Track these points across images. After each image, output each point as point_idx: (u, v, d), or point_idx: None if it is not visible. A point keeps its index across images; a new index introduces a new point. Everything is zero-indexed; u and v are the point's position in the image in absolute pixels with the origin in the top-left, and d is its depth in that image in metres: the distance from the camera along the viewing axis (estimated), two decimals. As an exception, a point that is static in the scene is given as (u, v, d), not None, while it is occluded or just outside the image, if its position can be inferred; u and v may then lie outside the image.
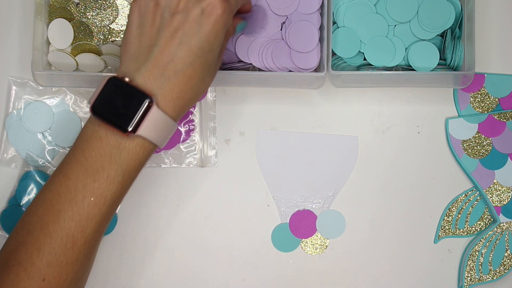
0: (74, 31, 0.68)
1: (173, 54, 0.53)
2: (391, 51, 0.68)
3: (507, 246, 0.71)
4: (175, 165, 0.71)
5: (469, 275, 0.70)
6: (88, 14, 0.68)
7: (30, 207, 0.55)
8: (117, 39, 0.69)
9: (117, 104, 0.52)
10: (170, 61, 0.53)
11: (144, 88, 0.52)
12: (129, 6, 0.69)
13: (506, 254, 0.71)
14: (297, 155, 0.71)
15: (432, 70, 0.68)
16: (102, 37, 0.69)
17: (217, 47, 0.55)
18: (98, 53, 0.68)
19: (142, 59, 0.54)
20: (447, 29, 0.68)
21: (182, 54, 0.53)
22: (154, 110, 0.52)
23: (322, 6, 0.67)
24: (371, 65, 0.68)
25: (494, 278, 0.71)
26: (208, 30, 0.53)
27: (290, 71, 0.67)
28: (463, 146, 0.71)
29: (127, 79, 0.52)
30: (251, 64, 0.68)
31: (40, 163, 0.71)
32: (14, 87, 0.71)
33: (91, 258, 0.56)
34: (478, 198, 0.71)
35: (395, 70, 0.69)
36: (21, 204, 0.70)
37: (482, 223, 0.72)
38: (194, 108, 0.71)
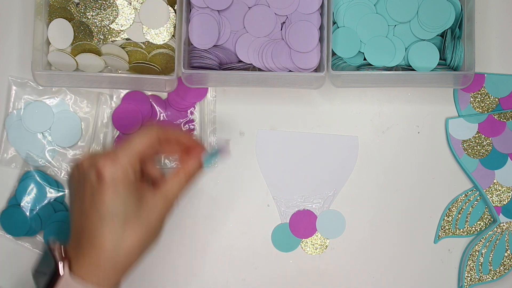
0: (74, 31, 0.68)
1: (82, 226, 0.56)
2: (391, 51, 0.68)
3: (507, 246, 0.71)
4: (175, 165, 0.71)
5: (469, 275, 0.70)
6: (88, 14, 0.68)
7: None
8: (117, 39, 0.69)
9: (42, 268, 0.57)
10: (81, 230, 0.56)
11: (61, 258, 0.55)
12: (129, 6, 0.69)
13: (506, 254, 0.71)
14: (297, 155, 0.71)
15: (432, 70, 0.68)
16: (102, 37, 0.69)
17: (121, 208, 0.55)
18: (98, 53, 0.68)
19: (71, 230, 0.58)
20: (447, 29, 0.68)
21: (88, 225, 0.56)
22: (65, 276, 0.54)
23: (322, 6, 0.67)
24: (371, 65, 0.68)
25: (494, 278, 0.71)
26: (101, 198, 0.55)
27: (290, 71, 0.67)
28: (463, 146, 0.71)
29: (63, 247, 0.56)
30: (251, 64, 0.68)
31: (40, 163, 0.71)
32: (14, 87, 0.71)
33: None
34: (478, 198, 0.71)
35: (395, 70, 0.69)
36: (21, 204, 0.70)
37: (482, 223, 0.72)
38: (194, 108, 0.72)
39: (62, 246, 0.57)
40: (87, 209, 0.56)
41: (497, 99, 0.72)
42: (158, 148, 0.59)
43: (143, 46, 0.69)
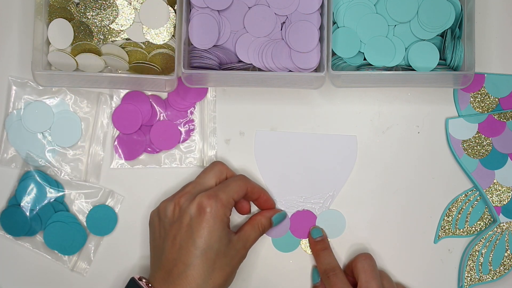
0: (74, 31, 0.68)
1: (175, 259, 0.60)
2: (391, 51, 0.68)
3: (507, 246, 0.71)
4: (175, 165, 0.71)
5: (469, 275, 0.70)
6: (88, 14, 0.68)
7: None
8: (117, 39, 0.69)
9: None
10: (173, 265, 0.60)
11: None
12: (129, 6, 0.69)
13: (506, 254, 0.71)
14: (296, 155, 0.71)
15: (432, 70, 0.68)
16: (102, 37, 0.69)
17: (216, 243, 0.60)
18: (98, 53, 0.68)
19: (155, 268, 0.62)
20: (447, 29, 0.68)
21: (182, 257, 0.59)
22: None
23: (322, 6, 0.67)
24: (371, 65, 0.68)
25: (494, 278, 0.71)
26: (200, 230, 0.60)
27: (290, 71, 0.67)
28: (463, 146, 0.71)
29: (144, 280, 0.60)
30: (251, 64, 0.68)
31: (40, 163, 0.71)
32: (14, 87, 0.71)
33: None
34: (478, 198, 0.71)
35: (395, 70, 0.69)
36: (21, 204, 0.70)
37: (482, 223, 0.72)
38: (194, 108, 0.72)
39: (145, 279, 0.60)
40: (183, 241, 0.60)
41: (497, 99, 0.72)
42: (243, 195, 0.65)
43: (143, 46, 0.69)
